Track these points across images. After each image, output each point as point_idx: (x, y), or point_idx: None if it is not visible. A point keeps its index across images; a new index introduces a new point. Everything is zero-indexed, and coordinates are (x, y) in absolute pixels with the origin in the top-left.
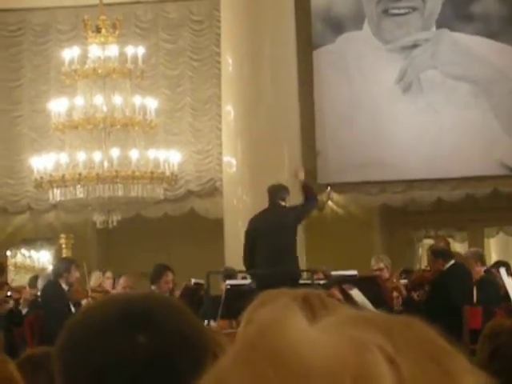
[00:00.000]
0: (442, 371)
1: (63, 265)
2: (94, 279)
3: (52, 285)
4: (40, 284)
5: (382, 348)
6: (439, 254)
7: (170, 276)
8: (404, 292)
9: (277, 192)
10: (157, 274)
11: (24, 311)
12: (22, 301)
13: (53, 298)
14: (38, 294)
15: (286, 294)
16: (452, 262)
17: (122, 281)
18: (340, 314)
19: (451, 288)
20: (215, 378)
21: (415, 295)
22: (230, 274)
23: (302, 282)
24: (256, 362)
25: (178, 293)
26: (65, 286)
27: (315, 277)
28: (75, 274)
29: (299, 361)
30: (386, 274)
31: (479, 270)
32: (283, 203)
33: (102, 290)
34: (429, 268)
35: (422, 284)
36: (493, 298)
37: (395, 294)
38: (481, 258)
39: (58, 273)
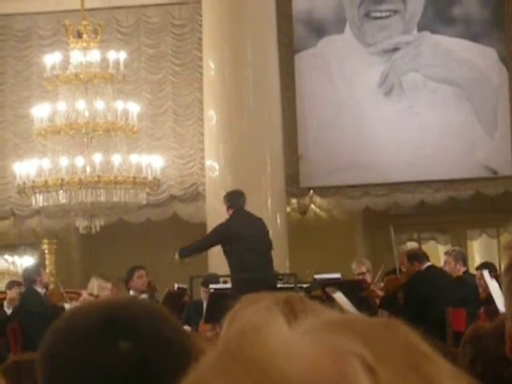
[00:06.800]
0: (422, 379)
1: (32, 270)
2: (96, 287)
3: (29, 293)
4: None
5: (361, 357)
6: (414, 257)
7: (141, 271)
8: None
9: (240, 198)
10: (129, 274)
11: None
12: (6, 302)
13: (34, 306)
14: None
15: (267, 298)
16: (428, 263)
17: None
18: (321, 319)
19: (426, 288)
20: None
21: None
22: (213, 278)
23: (283, 285)
24: (235, 371)
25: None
26: (40, 290)
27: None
28: (46, 274)
29: (279, 371)
30: (368, 278)
31: (458, 269)
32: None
33: (74, 292)
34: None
35: (397, 291)
36: (468, 299)
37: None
38: (463, 258)
39: (30, 279)
